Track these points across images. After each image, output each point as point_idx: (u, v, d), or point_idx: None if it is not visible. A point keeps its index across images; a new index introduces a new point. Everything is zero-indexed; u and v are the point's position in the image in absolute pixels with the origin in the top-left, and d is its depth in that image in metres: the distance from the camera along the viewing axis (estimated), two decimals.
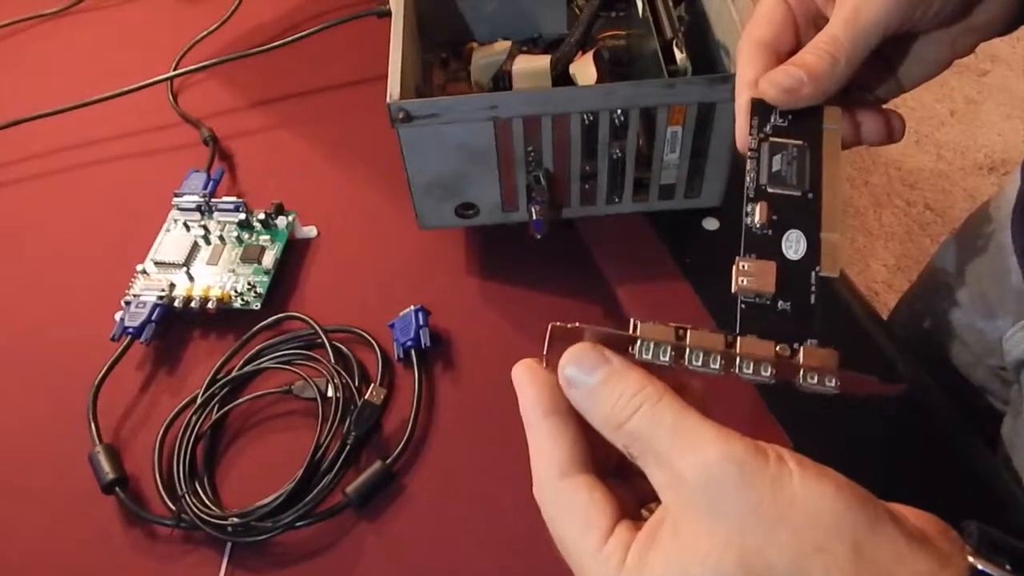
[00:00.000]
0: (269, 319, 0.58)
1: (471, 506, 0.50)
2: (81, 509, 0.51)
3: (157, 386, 0.57)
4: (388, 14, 0.66)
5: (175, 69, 0.78)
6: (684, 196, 0.61)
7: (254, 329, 0.58)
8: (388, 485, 0.51)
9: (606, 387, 0.27)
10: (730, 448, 0.24)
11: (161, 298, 0.58)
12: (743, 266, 0.30)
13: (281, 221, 0.64)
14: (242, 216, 0.64)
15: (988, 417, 0.63)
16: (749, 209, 0.31)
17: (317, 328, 0.57)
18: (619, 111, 0.54)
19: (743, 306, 0.29)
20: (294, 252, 0.64)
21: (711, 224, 0.62)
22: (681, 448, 0.25)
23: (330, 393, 0.54)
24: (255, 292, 0.60)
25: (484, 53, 0.65)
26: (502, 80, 0.66)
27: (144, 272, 0.61)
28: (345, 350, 0.57)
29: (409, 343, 0.56)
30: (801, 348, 0.27)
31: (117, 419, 0.55)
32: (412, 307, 0.58)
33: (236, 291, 0.60)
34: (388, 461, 0.51)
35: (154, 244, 0.63)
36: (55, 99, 0.75)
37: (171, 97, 0.77)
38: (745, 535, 0.24)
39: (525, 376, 0.29)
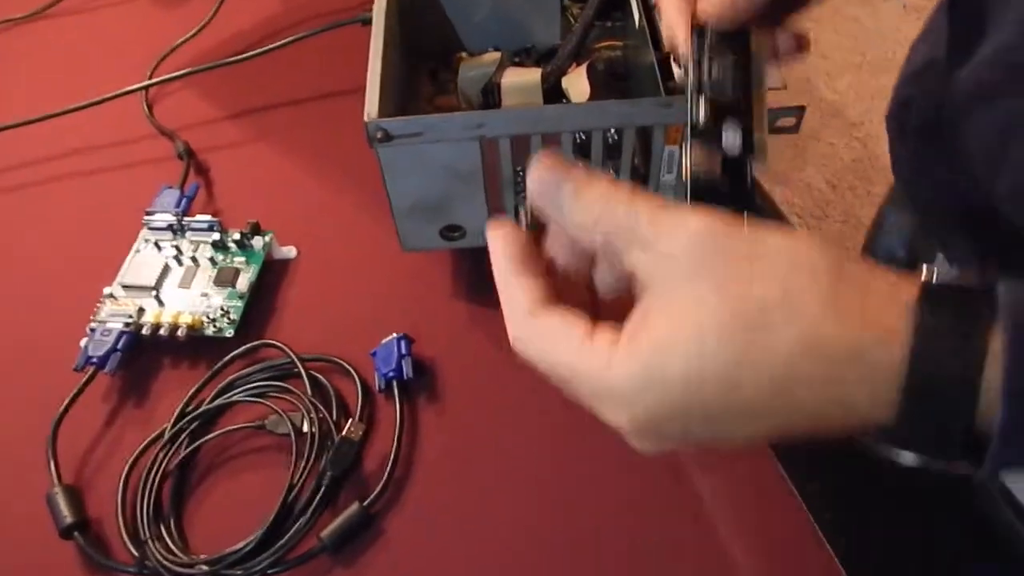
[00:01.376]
0: (243, 347, 0.55)
1: (454, 551, 0.47)
2: (37, 556, 0.48)
3: (123, 420, 0.53)
4: (371, 21, 0.62)
5: (150, 78, 0.75)
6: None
7: (226, 359, 0.55)
8: (366, 529, 0.48)
9: (578, 197, 0.29)
10: (708, 219, 0.27)
11: (128, 325, 0.55)
12: (693, 155, 0.35)
13: (257, 242, 0.61)
14: (216, 236, 0.60)
15: None
16: (695, 109, 0.36)
17: (293, 357, 0.54)
18: (613, 130, 0.51)
19: (692, 188, 0.34)
20: (271, 274, 0.61)
21: None
22: (663, 226, 0.27)
23: (305, 428, 0.50)
24: (228, 318, 0.56)
25: (472, 65, 0.62)
26: (491, 93, 0.63)
27: (111, 296, 0.58)
28: (323, 380, 0.54)
29: (391, 374, 0.53)
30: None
31: (79, 456, 0.52)
32: (395, 335, 0.55)
33: (208, 317, 0.56)
34: (366, 503, 0.48)
35: (123, 266, 0.60)
36: (22, 109, 0.71)
37: (146, 108, 0.74)
38: (731, 284, 0.26)
39: (498, 239, 0.31)
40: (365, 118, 0.47)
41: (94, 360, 0.53)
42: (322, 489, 0.48)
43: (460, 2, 0.67)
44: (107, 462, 0.51)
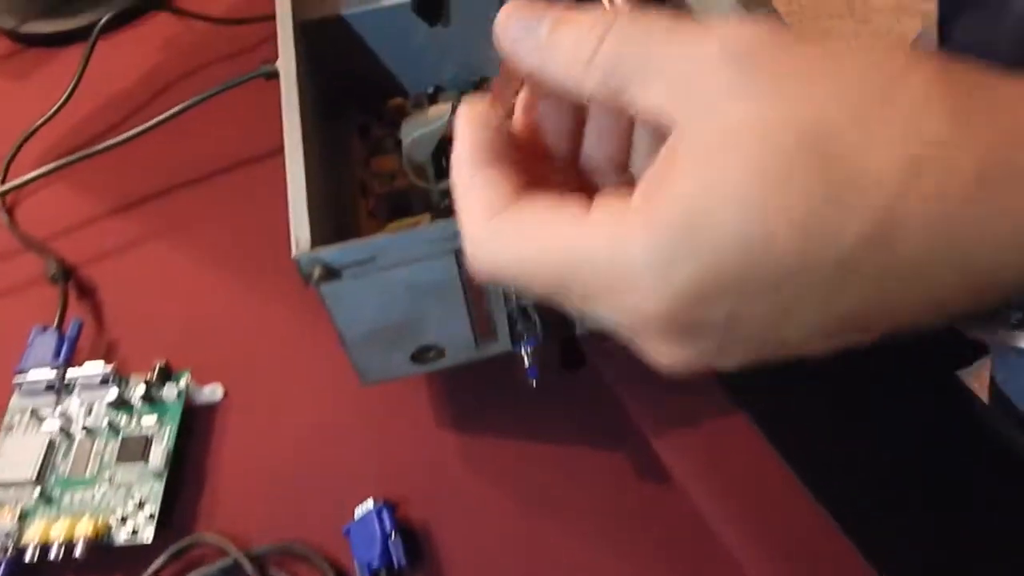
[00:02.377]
0: (168, 552, 0.41)
1: None
2: None
3: None
4: (277, 75, 0.48)
5: (4, 177, 0.59)
6: None
7: (147, 574, 0.40)
8: None
9: (559, 30, 0.22)
10: (747, 22, 0.20)
11: (4, 550, 0.40)
12: None
13: (170, 390, 0.46)
14: (114, 392, 0.46)
15: None
16: None
17: (238, 556, 0.40)
18: None
19: None
20: (195, 429, 0.46)
21: None
22: (687, 36, 0.20)
23: None
24: (145, 514, 0.42)
25: (416, 123, 0.48)
26: (447, 151, 0.49)
27: None
28: None
29: (376, 563, 0.39)
30: None
31: None
32: (372, 503, 0.41)
33: (117, 517, 0.42)
34: None
35: None
36: None
37: (4, 215, 0.58)
38: (802, 91, 0.19)
39: (467, 124, 0.25)
40: (294, 250, 0.33)
41: None
42: None
43: (387, 35, 0.53)
44: None
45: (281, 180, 0.37)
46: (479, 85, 0.56)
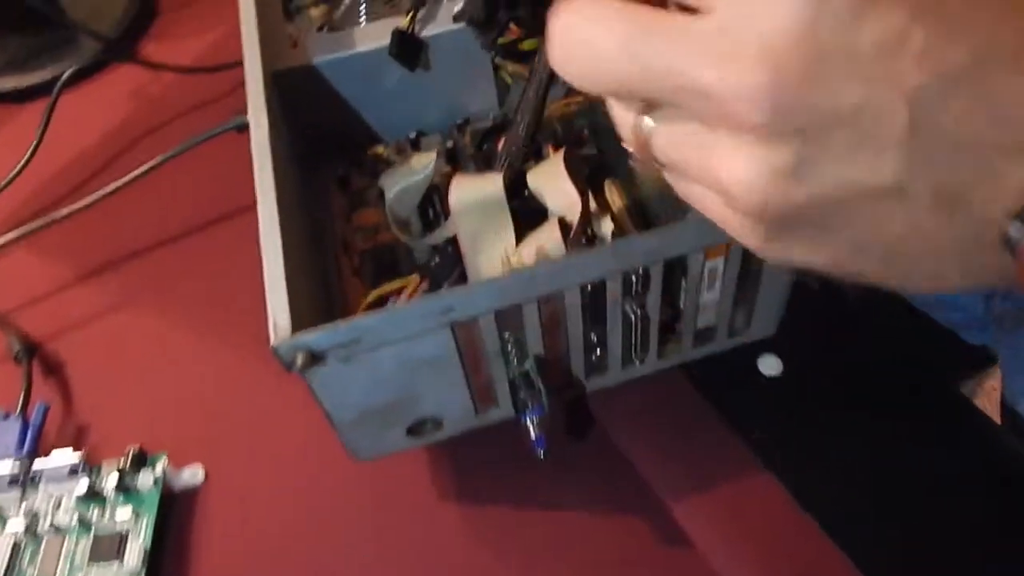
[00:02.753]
0: None
1: None
2: None
3: None
4: (248, 126, 0.46)
5: None
6: (728, 335, 0.42)
7: None
8: None
9: None
10: None
11: None
12: None
13: (146, 477, 0.43)
14: (85, 483, 0.42)
15: None
16: None
17: None
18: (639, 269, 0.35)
19: None
20: (174, 517, 0.43)
21: (771, 367, 0.44)
22: None
23: None
24: None
25: (398, 175, 0.45)
26: (434, 206, 0.46)
27: None
28: None
29: None
30: None
31: None
32: None
33: None
34: None
35: None
36: None
37: None
38: None
39: None
40: (272, 338, 0.30)
41: None
42: None
43: (362, 81, 0.50)
44: None
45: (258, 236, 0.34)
46: (462, 127, 0.53)
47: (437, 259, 0.42)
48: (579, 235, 0.38)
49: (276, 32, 0.50)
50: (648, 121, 0.19)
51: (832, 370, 0.43)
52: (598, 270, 0.33)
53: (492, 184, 0.41)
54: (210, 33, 0.67)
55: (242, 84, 0.43)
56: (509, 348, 0.36)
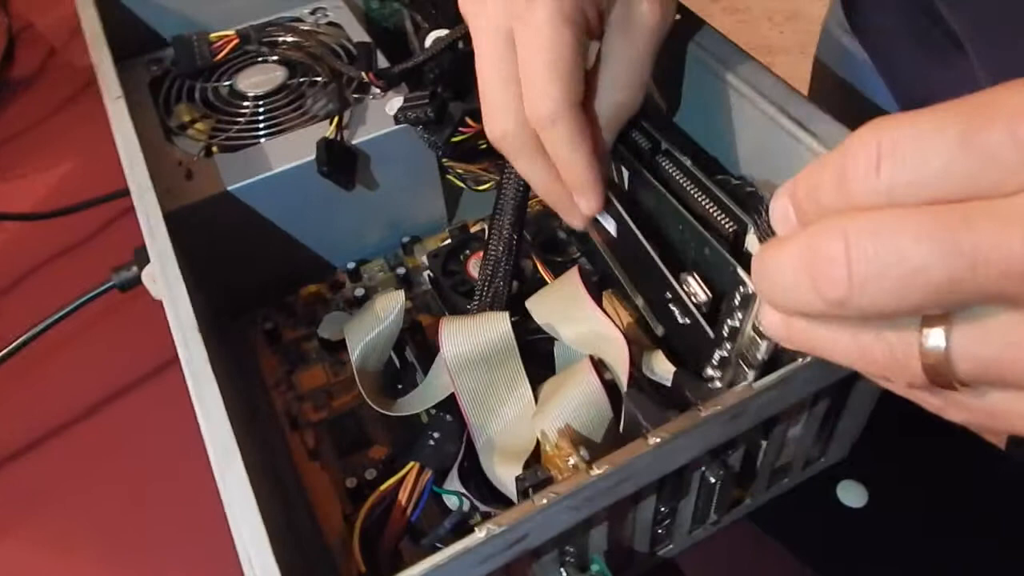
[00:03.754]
0: None
1: None
2: None
3: None
4: (132, 285, 0.35)
5: None
6: (802, 468, 0.34)
7: None
8: None
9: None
10: None
11: None
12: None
13: None
14: None
15: None
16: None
17: None
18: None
19: None
20: None
21: (854, 496, 0.36)
22: None
23: None
24: None
25: (361, 328, 0.34)
26: (405, 344, 0.36)
27: None
28: None
29: None
30: None
31: None
32: None
33: None
34: None
35: None
36: None
37: None
38: None
39: None
40: None
41: None
42: None
43: (278, 206, 0.39)
44: None
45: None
46: (408, 246, 0.44)
47: (434, 435, 0.31)
48: (633, 380, 0.29)
49: (162, 160, 0.39)
50: (939, 335, 0.16)
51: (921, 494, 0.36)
52: (706, 442, 0.24)
53: (495, 327, 0.31)
54: (53, 171, 0.55)
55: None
56: (567, 560, 0.26)
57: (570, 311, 0.32)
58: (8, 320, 0.43)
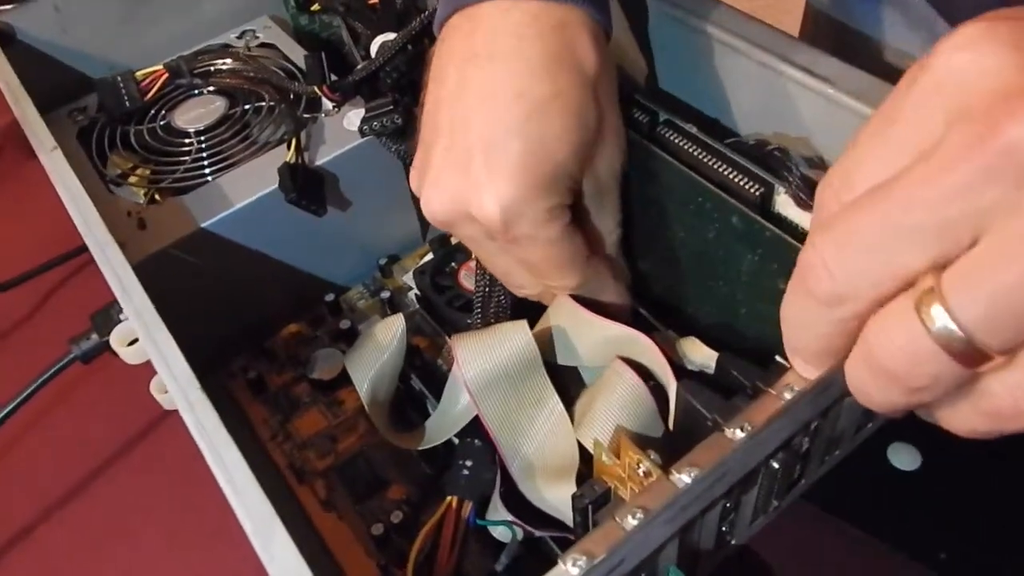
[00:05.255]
0: None
1: None
2: None
3: None
4: (96, 354, 0.32)
5: None
6: (855, 431, 0.32)
7: None
8: None
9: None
10: None
11: None
12: None
13: None
14: None
15: None
16: None
17: None
18: None
19: None
20: None
21: (906, 459, 0.34)
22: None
23: None
24: None
25: (364, 361, 0.31)
26: (414, 369, 0.33)
27: None
28: None
29: None
30: None
31: None
32: None
33: None
34: None
35: None
36: None
37: None
38: None
39: None
40: None
41: None
42: None
43: (241, 244, 0.36)
44: None
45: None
46: (386, 268, 0.41)
47: (467, 463, 0.29)
48: (679, 374, 0.27)
49: (110, 212, 0.35)
50: (939, 311, 0.15)
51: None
52: (795, 425, 0.22)
53: (514, 338, 0.28)
54: None
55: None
56: None
57: (578, 332, 0.30)
58: None
